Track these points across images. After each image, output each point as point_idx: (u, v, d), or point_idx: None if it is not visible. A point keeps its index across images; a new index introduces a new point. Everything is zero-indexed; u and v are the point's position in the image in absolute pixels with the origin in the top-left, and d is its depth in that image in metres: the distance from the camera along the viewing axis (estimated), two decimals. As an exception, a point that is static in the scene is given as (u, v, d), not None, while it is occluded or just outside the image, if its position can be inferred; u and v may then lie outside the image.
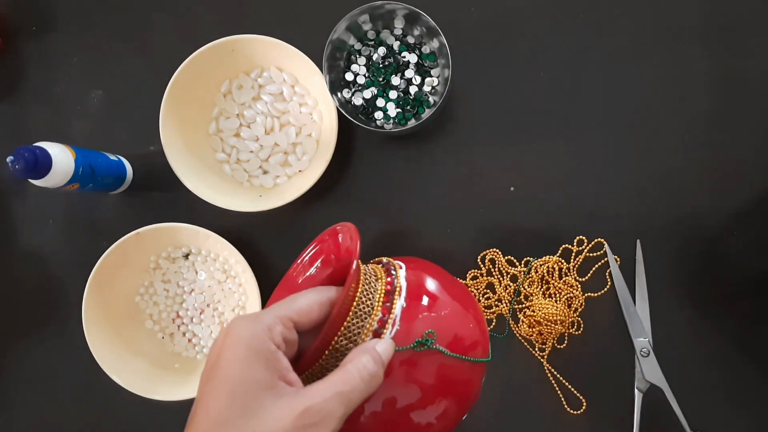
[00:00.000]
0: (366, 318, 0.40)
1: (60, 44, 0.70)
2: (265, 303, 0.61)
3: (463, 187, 0.64)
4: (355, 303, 0.40)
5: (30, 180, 0.56)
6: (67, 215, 0.69)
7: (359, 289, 0.40)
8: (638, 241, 0.62)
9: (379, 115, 0.63)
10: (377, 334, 0.40)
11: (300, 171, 0.65)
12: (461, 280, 0.64)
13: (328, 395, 0.32)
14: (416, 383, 0.40)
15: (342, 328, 0.39)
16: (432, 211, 0.65)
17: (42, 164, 0.55)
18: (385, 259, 0.47)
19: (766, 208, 0.61)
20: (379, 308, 0.41)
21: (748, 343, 0.61)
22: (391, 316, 0.40)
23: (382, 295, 0.41)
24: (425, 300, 0.43)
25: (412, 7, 0.58)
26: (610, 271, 0.62)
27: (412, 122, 0.63)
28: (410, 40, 0.63)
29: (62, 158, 0.57)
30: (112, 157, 0.65)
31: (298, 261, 0.48)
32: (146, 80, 0.68)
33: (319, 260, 0.46)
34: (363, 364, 0.35)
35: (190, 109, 0.64)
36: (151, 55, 0.68)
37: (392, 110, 0.63)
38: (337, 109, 0.60)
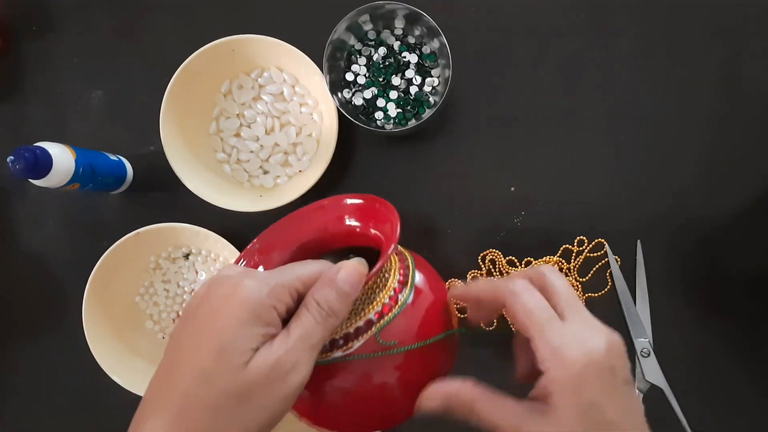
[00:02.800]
0: (368, 304, 0.39)
1: (60, 44, 0.69)
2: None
3: (464, 187, 0.64)
4: (366, 287, 0.38)
5: (30, 180, 0.56)
6: (67, 215, 0.69)
7: (375, 277, 0.39)
8: (638, 241, 0.62)
9: (379, 115, 0.63)
10: (369, 324, 0.38)
11: (300, 171, 0.65)
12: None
13: (291, 344, 0.33)
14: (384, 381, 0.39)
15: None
16: (432, 211, 0.65)
17: (42, 164, 0.55)
18: (400, 249, 0.46)
19: (766, 208, 0.61)
20: (386, 296, 0.40)
21: (748, 343, 0.61)
22: (393, 311, 0.39)
23: (393, 287, 0.40)
24: (426, 301, 0.42)
25: (412, 7, 0.58)
26: (611, 271, 0.62)
27: (412, 122, 0.63)
28: (411, 40, 0.63)
29: (62, 158, 0.57)
30: (112, 157, 0.65)
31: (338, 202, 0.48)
32: (146, 80, 0.68)
33: (353, 219, 0.45)
34: (316, 303, 0.34)
35: (190, 109, 0.64)
36: (151, 55, 0.68)
37: (392, 110, 0.63)
38: (338, 109, 0.60)
